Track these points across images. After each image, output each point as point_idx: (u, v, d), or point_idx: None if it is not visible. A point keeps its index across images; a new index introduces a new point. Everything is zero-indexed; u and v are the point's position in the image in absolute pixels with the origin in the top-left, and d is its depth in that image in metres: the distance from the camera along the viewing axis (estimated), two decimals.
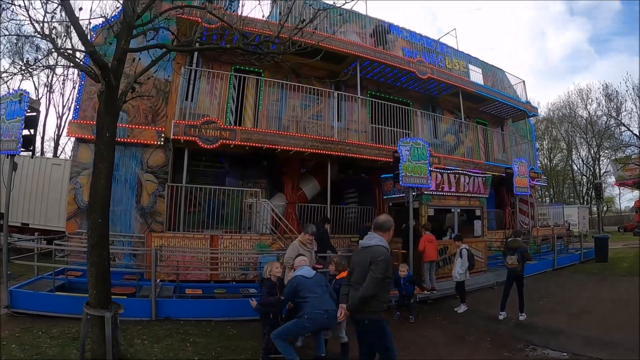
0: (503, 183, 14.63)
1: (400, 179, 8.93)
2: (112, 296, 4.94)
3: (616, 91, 21.84)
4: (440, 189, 10.06)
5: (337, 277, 5.70)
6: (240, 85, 11.23)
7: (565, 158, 37.94)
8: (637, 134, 16.78)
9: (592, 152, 30.23)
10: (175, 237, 9.14)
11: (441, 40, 14.39)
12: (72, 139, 10.75)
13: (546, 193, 39.61)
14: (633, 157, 19.20)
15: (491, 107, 14.90)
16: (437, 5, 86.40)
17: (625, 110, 16.69)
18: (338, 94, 11.49)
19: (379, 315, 3.72)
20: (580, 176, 38.10)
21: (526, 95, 15.70)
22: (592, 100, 18.54)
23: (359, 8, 13.59)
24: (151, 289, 6.85)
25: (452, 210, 10.46)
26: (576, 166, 38.35)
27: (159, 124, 10.35)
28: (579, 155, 36.20)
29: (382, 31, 12.76)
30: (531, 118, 17.10)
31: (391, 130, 12.14)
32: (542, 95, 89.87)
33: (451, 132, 13.65)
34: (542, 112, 37.59)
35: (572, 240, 15.45)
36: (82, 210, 10.23)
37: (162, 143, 10.36)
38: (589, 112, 16.26)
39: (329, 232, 9.60)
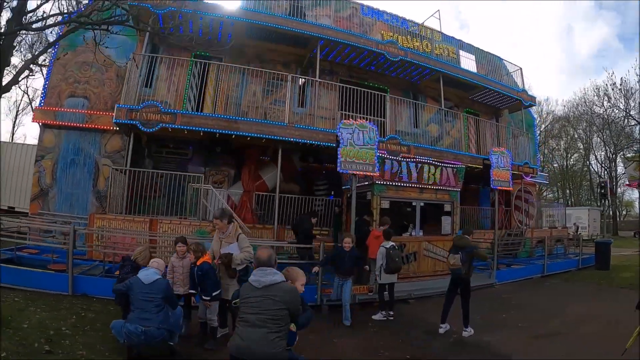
0: None
1: (339, 164, 7.02)
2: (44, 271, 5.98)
3: (625, 81, 17.44)
4: (397, 179, 7.96)
5: (198, 263, 4.72)
6: (202, 72, 9.79)
7: (583, 158, 32.61)
8: None
9: (608, 152, 25.46)
10: (116, 219, 8.22)
11: (426, 23, 12.03)
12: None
13: (560, 194, 34.63)
14: None
15: (482, 95, 12.43)
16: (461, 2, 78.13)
17: (634, 101, 13.11)
18: (303, 79, 9.74)
19: None
20: (597, 178, 32.77)
21: (523, 83, 12.93)
22: (607, 97, 14.95)
23: None
24: (69, 265, 6.31)
25: (414, 203, 8.31)
26: (593, 167, 32.98)
27: None
28: (595, 156, 30.98)
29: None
30: (537, 112, 14.21)
31: (365, 118, 10.11)
32: (568, 93, 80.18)
33: (435, 122, 11.33)
34: (559, 110, 32.81)
35: (577, 244, 12.41)
36: (44, 193, 9.41)
37: (118, 129, 9.19)
38: (605, 109, 12.84)
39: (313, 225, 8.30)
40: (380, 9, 11.72)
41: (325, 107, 10.22)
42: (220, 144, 9.57)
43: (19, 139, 29.62)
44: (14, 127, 27.50)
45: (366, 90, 10.01)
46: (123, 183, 8.73)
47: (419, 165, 8.44)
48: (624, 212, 39.71)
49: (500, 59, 13.71)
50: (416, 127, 11.51)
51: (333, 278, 6.69)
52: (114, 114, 9.01)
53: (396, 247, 6.66)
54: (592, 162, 32.40)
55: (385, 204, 8.24)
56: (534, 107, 35.33)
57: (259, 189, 10.00)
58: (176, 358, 4.18)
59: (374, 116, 10.43)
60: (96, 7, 5.87)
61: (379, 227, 7.45)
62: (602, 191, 14.15)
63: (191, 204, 9.23)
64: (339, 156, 7.30)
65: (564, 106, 34.42)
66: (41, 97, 9.89)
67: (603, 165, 30.59)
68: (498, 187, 9.19)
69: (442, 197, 8.85)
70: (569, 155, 33.99)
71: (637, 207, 36.93)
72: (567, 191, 34.76)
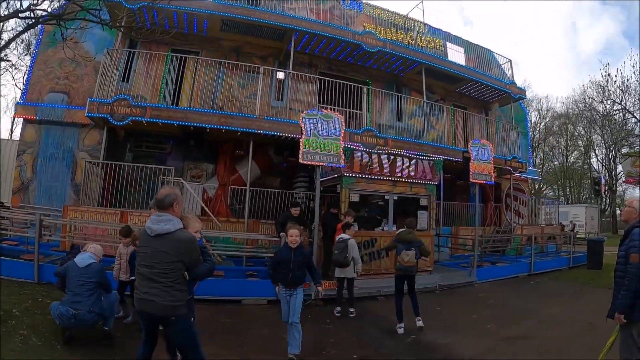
0: None
1: (300, 155, 6.50)
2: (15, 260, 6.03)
3: (620, 72, 16.07)
4: (367, 172, 7.36)
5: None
6: (180, 66, 9.41)
7: (583, 156, 30.91)
8: None
9: (608, 150, 23.89)
10: (89, 211, 7.99)
11: (410, 15, 11.34)
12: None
13: (561, 192, 32.91)
14: None
15: (469, 88, 11.69)
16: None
17: (629, 94, 11.96)
18: (280, 71, 9.27)
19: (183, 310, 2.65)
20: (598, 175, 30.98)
21: (512, 76, 12.04)
22: (602, 89, 13.62)
23: None
24: (35, 254, 6.23)
25: (387, 197, 7.68)
26: (594, 165, 31.27)
27: None
28: (595, 153, 29.29)
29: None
30: (537, 109, 13.28)
31: (345, 111, 9.55)
32: (571, 91, 76.43)
33: (419, 115, 10.63)
34: (559, 107, 31.17)
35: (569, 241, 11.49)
36: (25, 186, 9.20)
37: (95, 123, 8.90)
38: (605, 105, 11.78)
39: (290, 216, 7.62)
40: (363, 1, 11.08)
41: (303, 100, 9.73)
42: (195, 138, 9.14)
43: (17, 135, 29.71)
44: (12, 124, 27.73)
45: (346, 82, 9.43)
46: (98, 176, 8.49)
47: (392, 157, 7.81)
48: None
49: (491, 52, 12.89)
50: (399, 120, 10.84)
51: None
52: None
53: (342, 240, 6.06)
54: (593, 159, 30.88)
55: (355, 197, 7.68)
56: (533, 105, 34.25)
57: (236, 183, 9.58)
58: (110, 342, 4.10)
59: (354, 109, 9.86)
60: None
61: (344, 219, 6.86)
62: (596, 187, 13.11)
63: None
64: (301, 147, 6.76)
65: (563, 103, 32.82)
66: (23, 92, 9.69)
67: (603, 163, 28.93)
68: (478, 181, 8.42)
69: (417, 190, 8.22)
70: (569, 153, 32.34)
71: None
72: (568, 189, 33.04)
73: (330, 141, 6.95)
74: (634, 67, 11.33)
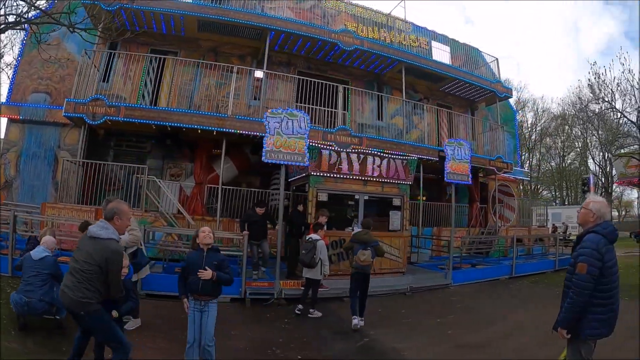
0: (472, 174, 10.86)
1: (264, 154, 6.26)
2: None
3: (606, 69, 15.19)
4: (335, 170, 7.09)
5: None
6: (160, 66, 9.29)
7: (580, 157, 29.85)
8: (635, 120, 11.34)
9: (602, 149, 22.96)
10: (66, 208, 8.02)
11: (395, 14, 11.02)
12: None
13: (558, 193, 31.87)
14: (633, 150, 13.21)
15: (453, 87, 11.31)
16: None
17: (619, 91, 11.27)
18: (258, 70, 9.11)
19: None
20: (594, 177, 29.78)
21: (499, 74, 11.55)
22: (591, 88, 12.76)
23: None
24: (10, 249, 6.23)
25: (357, 196, 7.40)
26: (591, 166, 30.23)
27: None
28: (590, 154, 28.23)
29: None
30: (533, 109, 12.77)
31: (325, 110, 9.30)
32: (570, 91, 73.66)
33: (402, 114, 10.30)
34: (555, 108, 30.16)
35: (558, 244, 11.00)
36: (9, 184, 9.22)
37: (74, 123, 8.86)
38: (600, 104, 11.06)
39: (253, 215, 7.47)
40: (345, 0, 10.80)
41: (281, 100, 9.51)
42: (172, 137, 9.01)
43: None
44: None
45: (323, 81, 9.16)
46: (77, 175, 8.49)
47: (362, 156, 7.51)
48: (623, 213, 36.25)
49: (478, 51, 12.45)
50: (380, 119, 10.52)
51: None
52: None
53: (310, 240, 5.85)
54: (590, 161, 29.91)
55: (323, 196, 7.43)
56: (529, 105, 33.37)
57: (213, 182, 9.40)
58: (62, 331, 4.16)
59: (333, 108, 9.58)
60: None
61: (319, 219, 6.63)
62: (585, 188, 12.54)
63: (146, 196, 8.78)
64: (264, 145, 6.54)
65: (559, 104, 31.81)
66: (7, 93, 9.71)
67: (600, 164, 27.85)
68: (453, 181, 8.06)
69: (390, 190, 7.94)
70: (566, 154, 31.28)
71: (636, 207, 33.65)
72: (564, 191, 31.97)
73: (294, 139, 6.71)
74: (623, 64, 10.75)
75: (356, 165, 7.49)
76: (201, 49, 9.67)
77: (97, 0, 8.14)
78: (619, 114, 11.29)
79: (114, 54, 9.34)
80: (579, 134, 27.95)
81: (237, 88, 9.54)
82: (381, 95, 10.40)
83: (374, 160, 7.65)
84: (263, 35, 9.11)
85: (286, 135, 6.72)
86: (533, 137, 30.76)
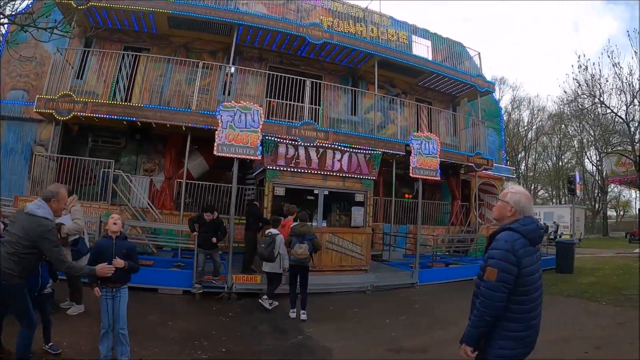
0: (453, 171, 10.68)
1: (215, 147, 6.29)
2: None
3: (594, 63, 14.35)
4: (292, 165, 7.05)
5: None
6: (134, 63, 9.45)
7: (576, 156, 28.88)
8: (624, 117, 10.82)
9: (597, 147, 22.10)
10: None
11: (377, 8, 10.88)
12: None
13: (554, 194, 30.88)
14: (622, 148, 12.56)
15: (432, 81, 11.09)
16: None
17: (607, 85, 10.69)
18: (229, 66, 9.14)
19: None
20: (590, 176, 28.71)
21: (481, 68, 11.25)
22: (577, 83, 12.00)
23: None
24: None
25: (316, 191, 7.33)
26: (587, 165, 29.22)
27: None
28: (586, 154, 27.26)
29: None
30: (529, 108, 12.39)
31: (296, 105, 9.27)
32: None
33: (378, 109, 10.17)
34: (551, 107, 29.30)
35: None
36: None
37: (45, 118, 9.11)
38: (599, 100, 10.48)
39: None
40: None
41: (251, 95, 9.51)
42: (141, 132, 9.14)
43: None
44: None
45: (294, 76, 9.12)
46: (48, 169, 8.73)
47: (321, 150, 7.43)
48: (621, 213, 34.77)
49: (462, 46, 12.18)
50: (354, 114, 10.41)
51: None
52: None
53: (270, 235, 5.89)
54: (586, 160, 28.96)
55: (280, 191, 7.36)
56: (524, 104, 32.57)
57: (181, 176, 9.45)
58: None
59: (300, 102, 9.52)
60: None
61: (288, 217, 6.61)
62: (571, 186, 12.07)
63: (120, 191, 8.96)
64: (217, 138, 6.55)
65: (554, 102, 30.93)
66: None
67: (596, 164, 26.95)
68: (418, 176, 7.89)
69: (352, 185, 7.82)
70: (562, 153, 30.33)
71: (635, 207, 32.21)
72: (561, 190, 31.01)
73: (247, 133, 6.69)
74: (609, 56, 10.25)
75: (315, 159, 7.42)
76: (173, 45, 9.77)
77: None
78: (607, 110, 10.82)
79: (89, 51, 9.55)
80: (575, 133, 27.13)
81: (208, 84, 9.62)
82: (355, 90, 10.29)
83: (334, 154, 7.56)
84: (232, 31, 9.15)
85: (239, 128, 6.71)
86: (529, 135, 30.20)
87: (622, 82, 9.98)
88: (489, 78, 11.72)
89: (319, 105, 9.91)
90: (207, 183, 9.40)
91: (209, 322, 5.28)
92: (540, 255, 2.15)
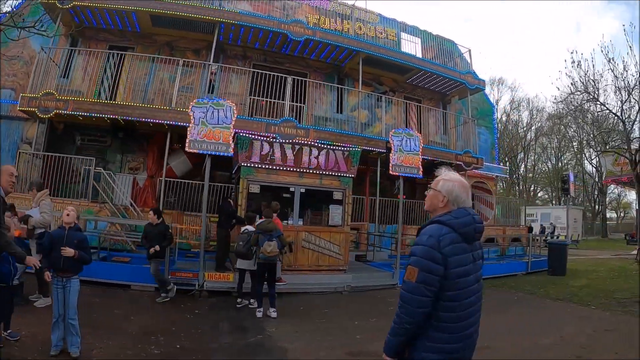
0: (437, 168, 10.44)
1: (187, 143, 6.29)
2: None
3: (586, 59, 13.83)
4: (267, 162, 6.99)
5: None
6: (119, 62, 9.55)
7: (575, 157, 28.26)
8: (619, 114, 10.44)
9: (595, 146, 21.57)
10: (19, 197, 8.15)
11: (365, 6, 10.80)
12: None
13: (554, 195, 30.23)
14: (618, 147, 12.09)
15: (421, 79, 10.92)
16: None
17: (603, 82, 10.34)
18: (208, 64, 9.08)
19: None
20: (590, 177, 28.06)
21: (470, 65, 11.04)
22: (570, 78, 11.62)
23: None
24: None
25: (292, 189, 7.25)
26: (587, 166, 28.65)
27: None
28: (584, 155, 26.58)
29: None
30: (528, 109, 12.11)
31: (279, 103, 9.24)
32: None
33: (364, 107, 10.07)
34: (549, 108, 28.76)
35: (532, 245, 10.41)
36: None
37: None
38: (593, 97, 10.06)
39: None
40: None
41: (235, 93, 9.51)
42: (125, 131, 9.21)
43: None
44: None
45: (277, 74, 9.09)
46: (30, 166, 8.84)
47: (297, 147, 7.35)
48: (622, 214, 33.81)
49: (453, 43, 12.02)
50: (339, 112, 10.32)
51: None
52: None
53: (246, 232, 5.87)
54: (586, 161, 28.37)
55: (255, 188, 7.29)
56: (523, 104, 32.06)
57: (167, 175, 9.47)
58: None
59: (292, 101, 9.48)
60: None
61: (275, 215, 6.54)
62: (565, 186, 11.73)
63: (103, 188, 9.05)
64: (189, 135, 6.55)
65: (553, 102, 30.35)
66: None
67: (595, 165, 26.36)
68: (398, 174, 7.75)
69: (330, 183, 7.73)
70: (562, 154, 29.73)
71: (635, 208, 31.38)
72: (560, 191, 30.48)
73: (219, 129, 6.67)
74: (602, 51, 9.93)
75: (290, 156, 7.35)
76: (157, 44, 9.85)
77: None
78: (602, 108, 10.47)
79: (74, 50, 9.68)
80: (575, 134, 26.58)
81: (192, 82, 9.66)
82: (340, 88, 10.20)
83: (310, 151, 7.48)
84: (214, 29, 9.17)
85: (211, 125, 6.70)
86: (529, 136, 29.78)
87: (617, 78, 9.72)
88: (487, 78, 11.61)
89: (304, 103, 9.85)
90: (190, 181, 9.41)
91: (173, 319, 5.29)
92: (481, 255, 1.81)
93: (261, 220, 5.52)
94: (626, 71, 9.69)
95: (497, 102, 32.52)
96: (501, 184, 27.83)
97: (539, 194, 32.40)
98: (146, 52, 9.53)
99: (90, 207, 8.27)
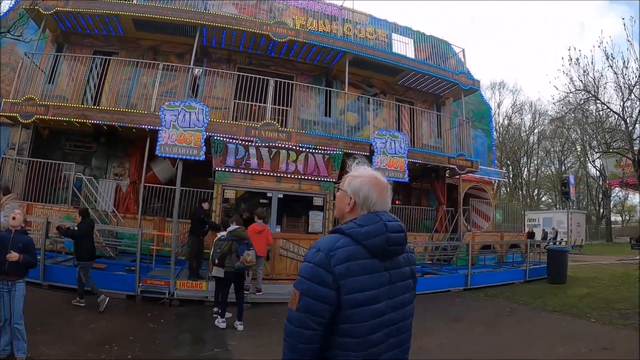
0: (436, 174, 10.18)
1: (158, 147, 6.16)
2: None
3: (585, 56, 13.23)
4: (243, 166, 6.81)
5: None
6: (104, 67, 9.56)
7: (579, 160, 27.43)
8: (620, 112, 9.94)
9: (600, 149, 20.86)
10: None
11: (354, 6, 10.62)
12: None
13: (557, 199, 29.37)
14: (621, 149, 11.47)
15: (412, 80, 10.64)
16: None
17: (603, 79, 9.80)
18: (197, 68, 9.06)
19: None
20: (593, 180, 27.19)
21: (464, 65, 10.69)
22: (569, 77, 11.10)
23: None
24: None
25: (270, 194, 7.05)
26: (590, 170, 27.79)
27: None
28: (588, 158, 25.74)
29: None
30: (530, 113, 11.69)
31: (264, 106, 9.08)
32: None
33: (353, 110, 9.84)
34: (551, 110, 28.17)
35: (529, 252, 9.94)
36: None
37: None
38: (592, 95, 9.59)
39: None
40: None
41: (219, 97, 9.38)
42: (107, 136, 9.16)
43: None
44: None
45: (262, 77, 8.94)
46: (14, 172, 8.89)
47: (273, 150, 7.14)
48: (627, 218, 32.56)
49: (447, 44, 11.71)
50: (328, 115, 10.09)
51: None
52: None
53: (223, 239, 5.69)
54: (589, 163, 27.54)
55: (230, 194, 7.10)
56: (525, 108, 31.46)
57: (150, 181, 9.38)
58: None
59: (279, 105, 9.31)
60: None
61: (258, 221, 6.37)
62: (565, 189, 11.20)
63: (84, 195, 9.01)
64: (159, 139, 6.41)
65: (554, 104, 29.58)
66: None
67: (599, 168, 25.55)
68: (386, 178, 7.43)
69: (309, 188, 7.51)
70: (565, 158, 28.90)
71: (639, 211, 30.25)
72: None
73: (190, 132, 6.52)
74: (599, 46, 9.43)
75: (267, 160, 7.15)
76: (141, 48, 9.83)
77: (36, 5, 8.65)
78: (603, 107, 9.97)
79: (59, 56, 9.72)
80: (577, 136, 25.89)
81: (175, 86, 9.57)
82: (327, 90, 9.99)
83: (288, 154, 7.26)
84: (199, 33, 9.09)
85: (182, 128, 6.57)
86: (531, 139, 29.18)
87: (617, 74, 9.24)
88: (487, 81, 11.14)
89: (290, 106, 9.65)
90: (174, 187, 9.27)
91: (134, 328, 5.20)
92: (410, 274, 1.42)
93: (235, 227, 5.29)
94: (626, 68, 9.21)
95: (498, 105, 32.22)
96: (504, 189, 27.28)
97: (543, 199, 31.72)
98: (130, 56, 9.50)
99: (69, 212, 8.19)
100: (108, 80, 9.87)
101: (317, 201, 7.52)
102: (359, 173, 1.43)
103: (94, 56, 9.51)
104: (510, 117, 31.46)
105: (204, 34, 9.09)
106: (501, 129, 30.50)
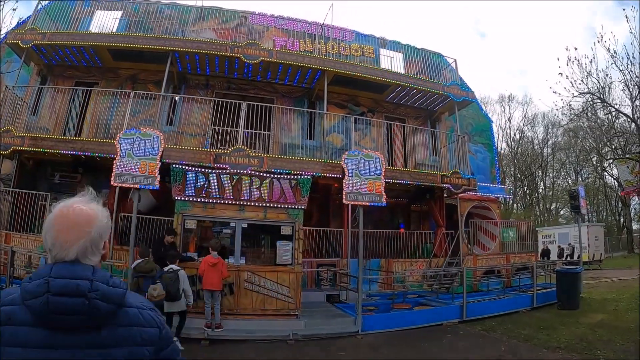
0: (431, 194, 9.55)
1: (113, 177, 6.06)
2: None
3: (586, 55, 11.87)
4: (203, 195, 6.56)
5: None
6: (85, 98, 9.83)
7: (595, 170, 25.40)
8: (629, 113, 8.86)
9: (602, 155, 19.03)
10: None
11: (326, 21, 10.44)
12: None
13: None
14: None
15: (401, 96, 10.19)
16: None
17: (608, 79, 8.74)
18: (173, 95, 9.12)
19: None
20: (611, 190, 24.98)
21: (457, 76, 10.11)
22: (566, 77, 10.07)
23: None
24: None
25: (233, 224, 6.72)
26: (608, 179, 25.85)
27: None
28: (602, 167, 23.68)
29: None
30: (543, 124, 10.89)
31: (243, 132, 8.94)
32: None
33: (339, 131, 9.50)
34: (564, 120, 26.52)
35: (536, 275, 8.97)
36: None
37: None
38: (598, 97, 8.69)
39: None
40: (276, 15, 10.53)
41: (196, 124, 9.33)
42: (85, 166, 9.26)
43: None
44: None
45: (239, 101, 8.84)
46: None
47: (235, 177, 6.84)
48: None
49: (440, 55, 11.21)
50: (311, 137, 9.76)
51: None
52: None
53: (172, 271, 5.50)
54: (606, 172, 25.51)
55: (192, 224, 6.81)
56: (538, 119, 29.90)
57: (128, 210, 9.31)
58: None
59: (255, 129, 9.12)
60: None
61: (213, 253, 6.11)
62: (574, 202, 10.11)
63: None
64: (115, 168, 6.29)
65: (564, 114, 27.77)
66: None
67: (613, 174, 23.59)
68: (354, 202, 6.95)
69: (276, 216, 7.07)
70: (581, 169, 26.86)
71: None
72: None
73: (145, 161, 6.35)
74: (599, 41, 8.56)
75: (228, 188, 6.83)
76: (120, 78, 10.04)
77: (16, 40, 9.12)
78: (610, 109, 9.02)
79: (42, 88, 10.09)
80: (592, 144, 24.14)
81: (152, 114, 9.63)
82: (310, 112, 9.70)
83: (251, 181, 6.92)
84: (172, 60, 9.16)
85: (137, 157, 6.42)
86: (545, 152, 27.75)
87: (622, 72, 8.34)
88: (496, 96, 10.40)
89: (269, 130, 9.42)
90: (156, 217, 9.19)
91: None
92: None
93: (138, 261, 4.98)
94: (632, 64, 8.30)
95: (509, 119, 31.13)
96: (520, 205, 25.66)
97: (561, 212, 29.83)
98: (109, 86, 9.71)
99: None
100: (90, 110, 10.12)
101: (285, 230, 7.06)
102: (55, 210, 1.07)
103: (75, 87, 9.79)
104: (522, 130, 30.46)
105: (178, 60, 9.15)
106: (513, 143, 29.44)
